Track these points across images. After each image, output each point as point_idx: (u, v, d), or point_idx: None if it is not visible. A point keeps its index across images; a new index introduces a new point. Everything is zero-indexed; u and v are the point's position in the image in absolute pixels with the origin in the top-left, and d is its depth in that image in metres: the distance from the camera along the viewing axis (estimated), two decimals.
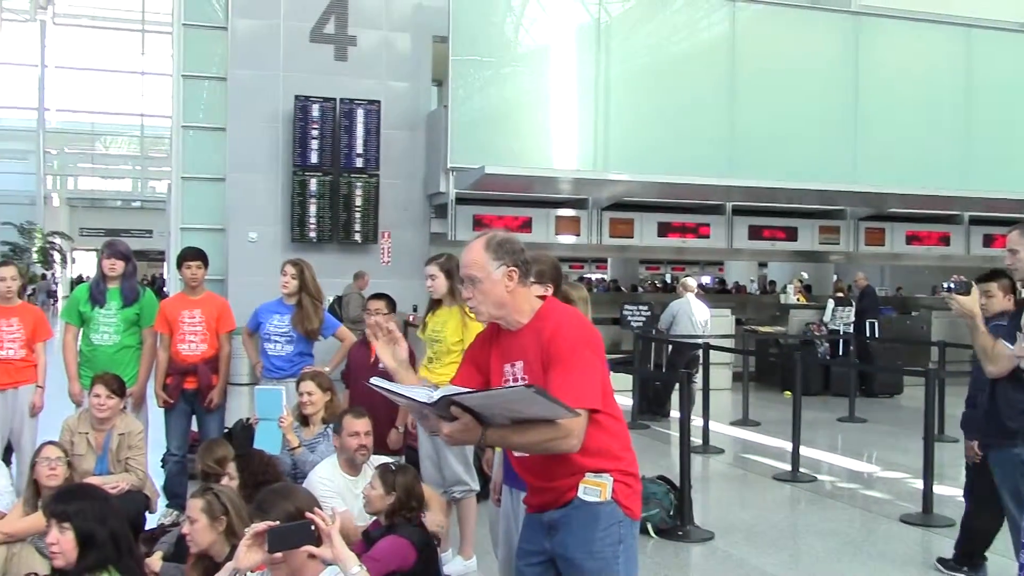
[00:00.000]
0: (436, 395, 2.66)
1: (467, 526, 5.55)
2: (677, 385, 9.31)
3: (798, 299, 17.99)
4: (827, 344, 13.99)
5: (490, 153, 12.55)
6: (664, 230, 14.22)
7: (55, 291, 35.70)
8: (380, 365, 5.82)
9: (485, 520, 5.10)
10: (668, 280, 34.54)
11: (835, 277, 21.88)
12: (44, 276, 36.50)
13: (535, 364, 2.89)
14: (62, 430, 5.56)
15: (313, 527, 2.79)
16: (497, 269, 2.93)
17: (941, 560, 5.67)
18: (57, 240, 38.07)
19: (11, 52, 37.12)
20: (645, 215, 14.11)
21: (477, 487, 5.51)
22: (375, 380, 2.85)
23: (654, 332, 11.92)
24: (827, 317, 14.28)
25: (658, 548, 6.09)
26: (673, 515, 6.38)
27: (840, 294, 15.58)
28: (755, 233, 14.62)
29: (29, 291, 31.35)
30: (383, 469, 4.32)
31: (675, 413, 9.98)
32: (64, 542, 3.13)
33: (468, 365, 3.18)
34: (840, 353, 14.00)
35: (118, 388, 5.55)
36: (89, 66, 43.59)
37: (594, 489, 2.91)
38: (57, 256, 38.30)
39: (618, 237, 14.08)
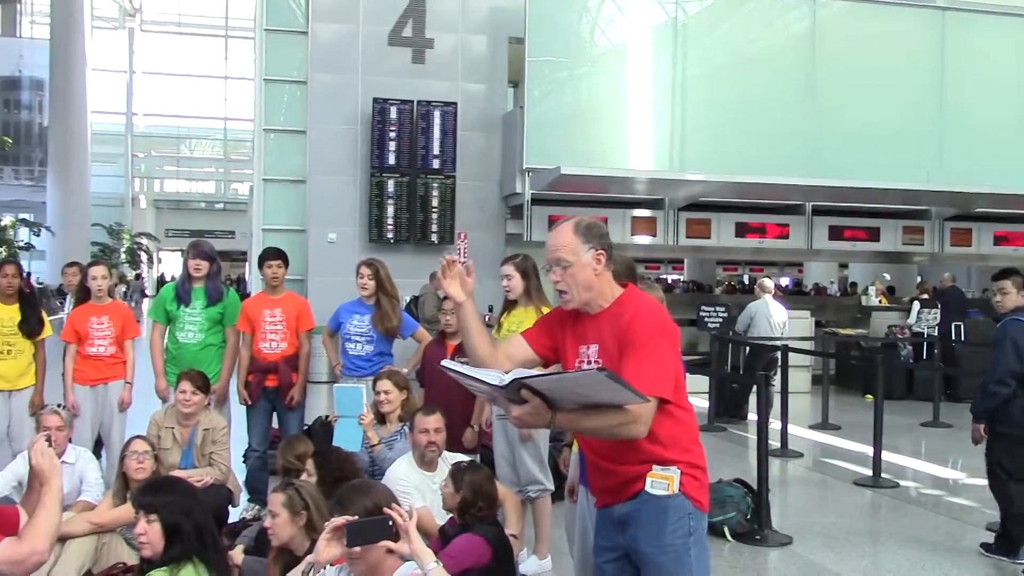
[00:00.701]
0: (507, 378, 2.65)
1: (542, 526, 5.56)
2: (755, 388, 9.19)
3: (880, 301, 17.61)
4: (911, 347, 13.67)
5: (566, 154, 12.55)
6: (742, 230, 14.06)
7: (147, 290, 36.71)
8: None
9: (561, 520, 5.11)
10: (746, 281, 34.12)
11: (919, 279, 21.35)
12: (138, 276, 37.64)
13: (611, 349, 2.89)
14: (149, 425, 5.73)
15: (391, 523, 2.82)
16: (587, 252, 2.94)
17: (984, 544, 5.96)
18: (144, 241, 39.15)
19: (101, 59, 38.27)
20: (722, 215, 13.97)
21: (552, 486, 5.51)
22: (446, 362, 2.86)
23: (731, 334, 11.79)
24: (911, 319, 13.95)
25: (734, 552, 6.03)
26: (750, 519, 6.30)
27: (925, 296, 15.21)
28: (836, 233, 14.37)
29: (122, 290, 32.35)
30: (454, 467, 4.35)
31: (752, 416, 9.87)
32: (151, 533, 3.22)
33: (541, 329, 3.18)
34: (924, 356, 13.66)
35: (203, 385, 5.70)
36: (175, 71, 44.75)
37: (661, 483, 2.89)
38: (144, 256, 39.38)
39: (695, 238, 13.97)
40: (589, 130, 13.79)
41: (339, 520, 2.90)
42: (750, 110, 13.70)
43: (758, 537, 6.19)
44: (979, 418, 5.85)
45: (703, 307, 13.05)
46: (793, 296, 23.05)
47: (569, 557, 4.60)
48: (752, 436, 9.05)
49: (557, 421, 2.75)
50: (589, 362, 2.96)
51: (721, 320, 12.43)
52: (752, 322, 11.25)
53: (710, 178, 12.87)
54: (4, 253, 22.42)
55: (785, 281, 34.19)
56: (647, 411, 2.73)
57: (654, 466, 2.89)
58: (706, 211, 13.90)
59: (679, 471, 2.89)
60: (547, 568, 5.50)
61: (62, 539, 4.41)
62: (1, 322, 6.30)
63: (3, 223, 25.83)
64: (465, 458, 4.86)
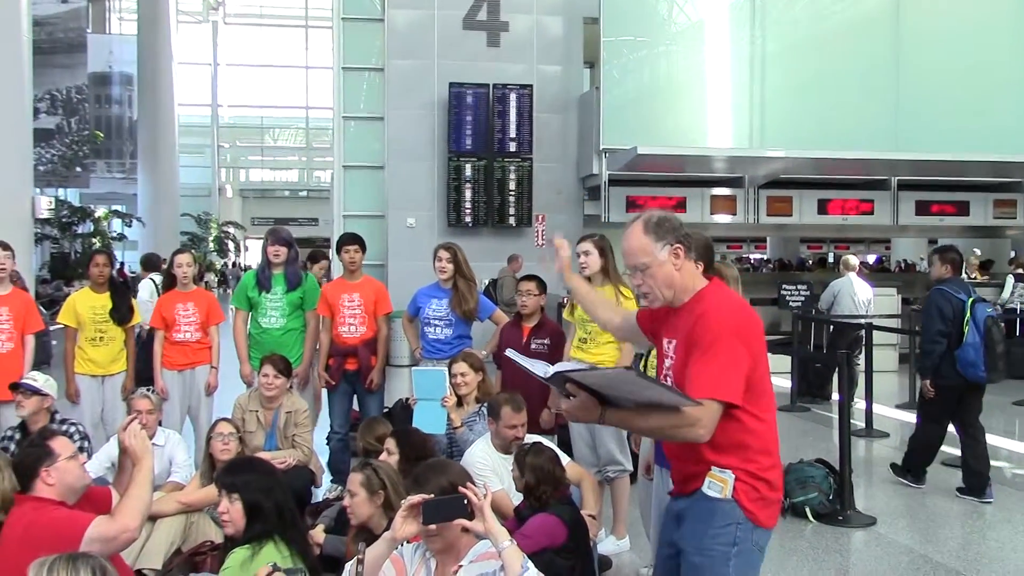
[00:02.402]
0: (551, 371, 2.65)
1: (620, 506, 5.56)
2: (838, 367, 9.03)
3: (975, 276, 17.07)
4: (1003, 323, 13.22)
5: (643, 133, 12.48)
6: (824, 207, 13.79)
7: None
8: (532, 346, 5.92)
9: (637, 501, 5.10)
10: (831, 259, 33.44)
11: (1012, 253, 20.65)
12: (235, 264, 38.56)
13: (684, 345, 2.81)
14: (234, 408, 5.89)
15: (466, 501, 2.84)
16: (662, 250, 2.83)
17: (892, 465, 7.03)
18: (231, 229, 40.04)
19: (187, 53, 39.16)
20: (804, 192, 13.74)
21: (631, 467, 5.50)
22: (510, 352, 2.89)
23: (814, 312, 11.59)
24: (1005, 295, 13.49)
25: (817, 532, 5.95)
26: (833, 499, 6.21)
27: (1020, 271, 14.69)
28: (922, 208, 14.01)
29: (219, 278, 33.19)
30: (518, 451, 4.38)
31: (836, 396, 9.71)
32: (233, 511, 3.33)
33: (651, 312, 3.10)
34: (1017, 333, 13.22)
35: (285, 368, 5.83)
36: (257, 62, 45.56)
37: (717, 484, 2.78)
38: (231, 244, 40.29)
39: (776, 215, 13.77)
40: (666, 109, 13.68)
41: (415, 498, 2.94)
42: (831, 84, 13.42)
43: (840, 518, 6.11)
44: (925, 375, 6.90)
45: (784, 285, 12.85)
46: (879, 274, 22.52)
47: (646, 538, 4.60)
48: (835, 416, 8.90)
49: (607, 418, 2.71)
50: (669, 356, 2.90)
51: (803, 298, 12.23)
52: (836, 300, 11.04)
53: (791, 154, 12.64)
54: (98, 244, 23.14)
55: (872, 258, 33.39)
56: (706, 414, 2.63)
57: (713, 467, 2.79)
58: (787, 188, 13.68)
59: (733, 476, 2.76)
60: (625, 548, 5.51)
61: (152, 518, 4.57)
62: (93, 310, 6.53)
63: (97, 215, 26.65)
64: (541, 439, 4.88)
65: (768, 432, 2.82)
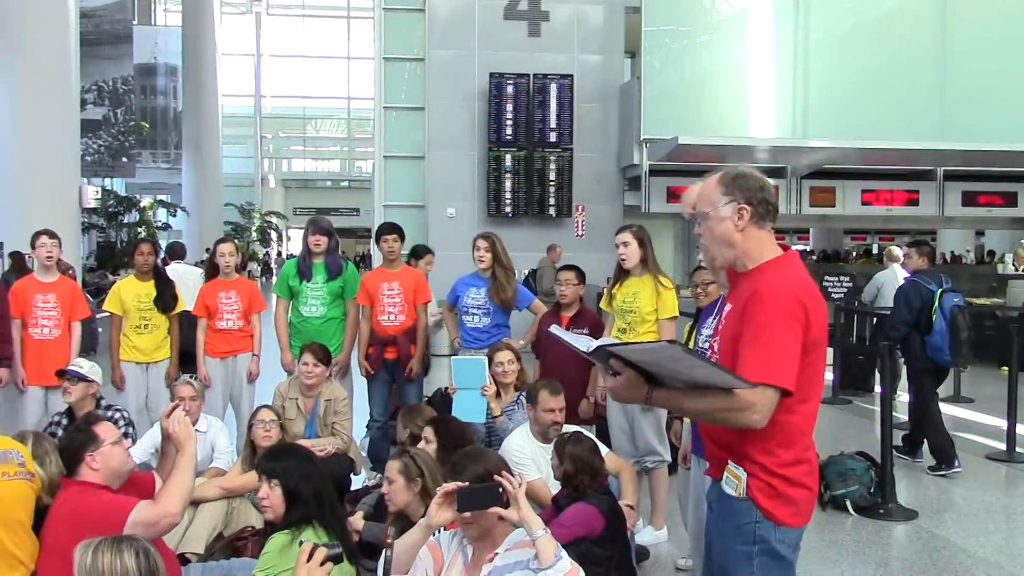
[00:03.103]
0: (593, 345, 2.53)
1: (659, 496, 5.55)
2: (880, 359, 8.92)
3: (1020, 269, 16.79)
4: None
5: (684, 124, 12.40)
6: (868, 198, 13.62)
7: None
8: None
9: (676, 493, 5.09)
10: (875, 250, 32.99)
11: None
12: (280, 254, 38.92)
13: (736, 315, 2.65)
14: (275, 395, 5.95)
15: (501, 489, 2.85)
16: (726, 205, 2.67)
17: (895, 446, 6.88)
18: (273, 219, 40.36)
19: (230, 44, 39.48)
20: (848, 182, 13.60)
21: (669, 458, 5.49)
22: (553, 328, 2.86)
23: (856, 304, 11.46)
24: None
25: (857, 525, 5.90)
26: (874, 492, 6.16)
27: None
28: (969, 199, 13.80)
29: (261, 267, 33.52)
30: (557, 441, 4.38)
31: (879, 388, 9.60)
32: (273, 497, 3.37)
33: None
34: None
35: (324, 357, 5.87)
36: (300, 53, 45.83)
37: (732, 481, 2.65)
38: (274, 234, 40.62)
39: (819, 206, 13.65)
40: (708, 99, 13.57)
41: (450, 485, 2.96)
42: (875, 73, 13.23)
43: (882, 511, 6.05)
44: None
45: (827, 276, 12.70)
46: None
47: (685, 528, 4.59)
48: (877, 408, 8.81)
49: (653, 398, 2.57)
50: (721, 323, 2.76)
51: (846, 290, 12.09)
52: (879, 292, 10.89)
53: (835, 144, 12.51)
54: (143, 233, 23.45)
55: None
56: (762, 399, 2.46)
57: (730, 461, 2.67)
58: (830, 179, 13.54)
59: (746, 474, 2.62)
60: (663, 539, 5.50)
61: (195, 503, 4.63)
62: (138, 298, 6.62)
63: (142, 204, 26.99)
64: (579, 428, 4.88)
65: (794, 426, 2.62)
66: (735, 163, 2.81)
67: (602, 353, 2.54)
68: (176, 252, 10.53)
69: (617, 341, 2.64)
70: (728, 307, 2.76)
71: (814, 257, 27.67)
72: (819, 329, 2.62)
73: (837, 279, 12.38)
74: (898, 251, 11.48)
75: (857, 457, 6.37)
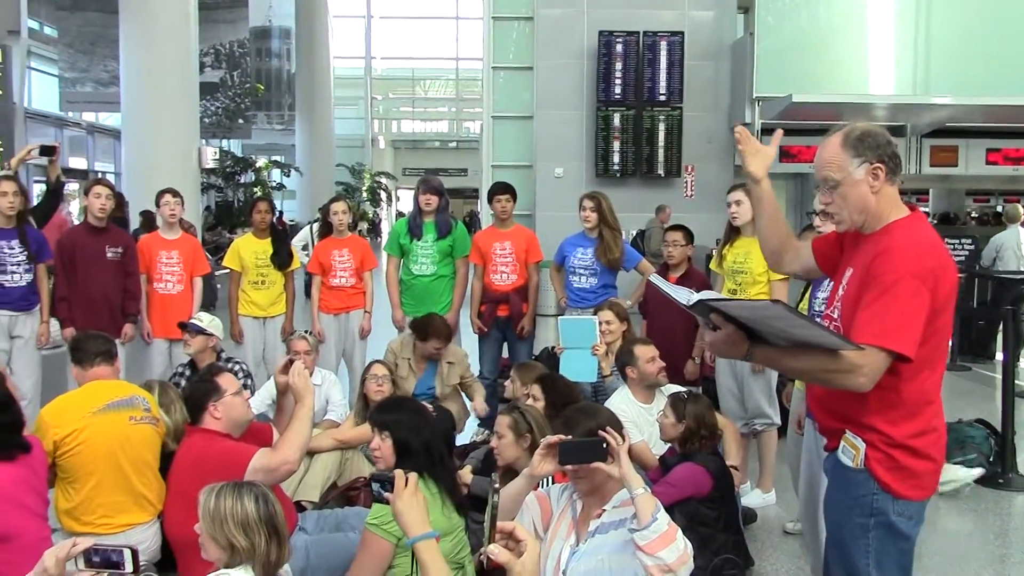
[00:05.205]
0: (694, 298, 2.49)
1: (767, 459, 5.51)
2: (1002, 324, 8.61)
3: None
4: None
5: (798, 81, 12.07)
6: (993, 157, 13.05)
7: None
8: None
9: (786, 456, 5.03)
10: (999, 212, 31.65)
11: None
12: (400, 214, 39.54)
13: (859, 278, 2.57)
14: (386, 352, 6.10)
15: (604, 445, 2.84)
16: (858, 167, 2.57)
17: None
18: (383, 180, 40.91)
19: (342, 6, 39.95)
20: (971, 141, 13.05)
21: (779, 421, 5.43)
22: (653, 277, 2.83)
23: (977, 267, 11.06)
24: None
25: (976, 495, 5.75)
26: (993, 461, 5.98)
27: None
28: None
29: (369, 227, 34.08)
30: (674, 398, 4.38)
31: (1000, 354, 9.27)
32: (384, 449, 3.46)
33: (830, 238, 2.89)
34: None
35: (447, 336, 6.08)
36: (409, 15, 46.11)
37: (849, 451, 2.59)
38: (383, 195, 41.19)
39: (940, 166, 13.15)
40: (823, 55, 13.13)
41: (553, 438, 2.99)
42: (1002, 25, 12.56)
43: (1001, 480, 5.89)
44: None
45: (946, 240, 12.27)
46: None
47: (793, 493, 4.54)
48: (998, 375, 8.51)
49: (754, 355, 2.53)
50: (842, 287, 2.67)
51: (968, 253, 11.67)
52: (999, 255, 10.52)
53: (958, 101, 11.99)
54: (259, 192, 24.08)
55: None
56: (870, 361, 2.38)
57: (848, 431, 2.59)
58: (953, 137, 13.02)
59: (865, 445, 2.55)
60: (771, 502, 5.46)
61: (310, 453, 4.80)
62: (256, 255, 6.84)
63: (258, 165, 27.68)
64: (684, 389, 4.87)
65: (921, 394, 2.55)
66: (849, 122, 2.70)
67: (702, 307, 2.50)
68: None
69: (717, 296, 2.57)
70: (850, 271, 2.66)
71: (934, 220, 26.72)
72: (947, 294, 2.53)
73: (957, 242, 11.96)
74: (1020, 210, 11.01)
75: (976, 425, 6.20)
